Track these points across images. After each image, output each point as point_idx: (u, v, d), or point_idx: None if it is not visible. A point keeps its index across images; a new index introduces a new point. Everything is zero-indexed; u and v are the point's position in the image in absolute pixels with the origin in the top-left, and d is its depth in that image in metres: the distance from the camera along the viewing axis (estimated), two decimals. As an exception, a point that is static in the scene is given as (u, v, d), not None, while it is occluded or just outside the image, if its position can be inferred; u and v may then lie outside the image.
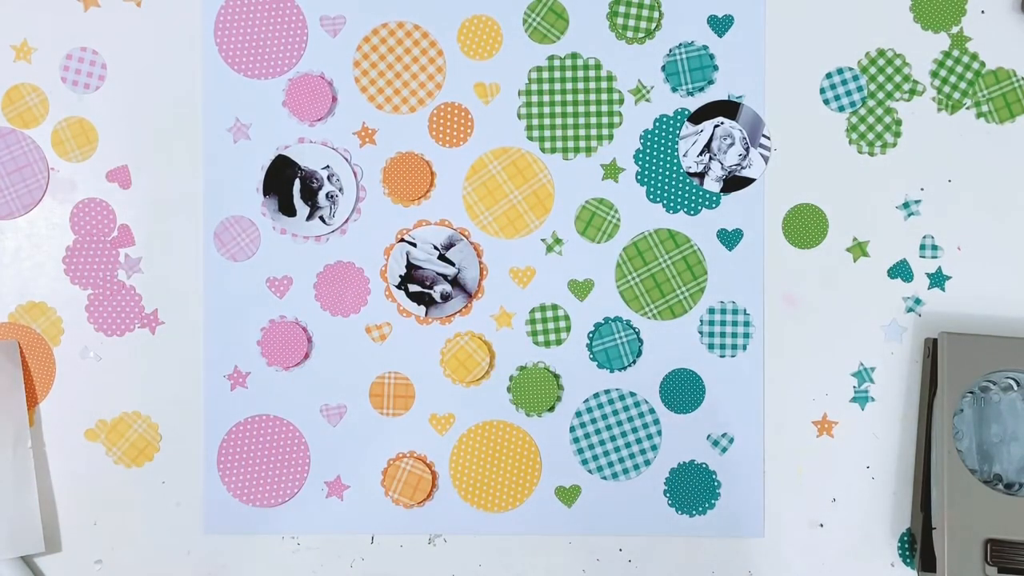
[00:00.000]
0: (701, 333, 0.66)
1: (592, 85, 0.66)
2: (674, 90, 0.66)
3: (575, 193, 0.66)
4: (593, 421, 0.66)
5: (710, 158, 0.66)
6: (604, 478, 0.66)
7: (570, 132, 0.66)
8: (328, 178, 0.66)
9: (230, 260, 0.66)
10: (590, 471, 0.66)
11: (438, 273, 0.66)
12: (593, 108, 0.66)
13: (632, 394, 0.66)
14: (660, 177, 0.66)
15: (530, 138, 0.66)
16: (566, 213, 0.66)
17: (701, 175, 0.66)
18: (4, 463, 0.64)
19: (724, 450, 0.67)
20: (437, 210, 0.66)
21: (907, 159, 0.66)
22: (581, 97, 0.66)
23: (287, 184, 0.66)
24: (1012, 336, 0.64)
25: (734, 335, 0.66)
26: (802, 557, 0.66)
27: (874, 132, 0.66)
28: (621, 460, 0.66)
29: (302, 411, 0.66)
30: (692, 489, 0.66)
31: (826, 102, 0.66)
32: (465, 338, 0.66)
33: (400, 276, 0.66)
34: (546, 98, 0.66)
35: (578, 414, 0.66)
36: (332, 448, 0.66)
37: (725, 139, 0.66)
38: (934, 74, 0.66)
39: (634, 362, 0.66)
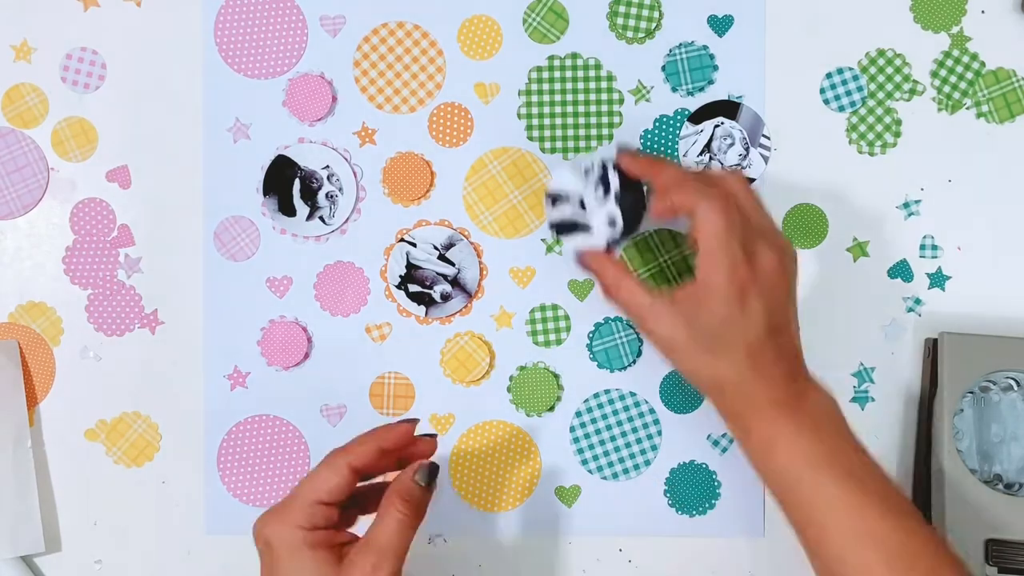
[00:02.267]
0: (701, 333, 0.66)
1: (592, 85, 0.66)
2: (674, 90, 0.66)
3: (575, 193, 0.66)
4: (593, 421, 0.66)
5: (710, 158, 0.66)
6: (604, 478, 0.66)
7: (570, 132, 0.66)
8: (328, 178, 0.66)
9: (230, 260, 0.66)
10: (590, 471, 0.66)
11: (438, 273, 0.66)
12: (593, 108, 0.66)
13: (632, 394, 0.66)
14: (660, 177, 0.66)
15: (530, 138, 0.66)
16: (566, 213, 0.66)
17: (701, 175, 0.66)
18: (4, 463, 0.64)
19: (724, 450, 0.67)
20: (437, 210, 0.66)
21: (907, 159, 0.66)
22: (581, 97, 0.66)
23: (287, 184, 0.66)
24: (1012, 336, 0.64)
25: (734, 335, 0.66)
26: (802, 557, 0.66)
27: (874, 132, 0.66)
28: (621, 460, 0.66)
29: (302, 411, 0.66)
30: (692, 489, 0.66)
31: (826, 102, 0.66)
32: (465, 338, 0.66)
33: (400, 276, 0.66)
34: (546, 98, 0.66)
35: (578, 414, 0.66)
36: (332, 448, 0.66)
37: (725, 139, 0.66)
38: (934, 74, 0.66)
39: (634, 362, 0.66)
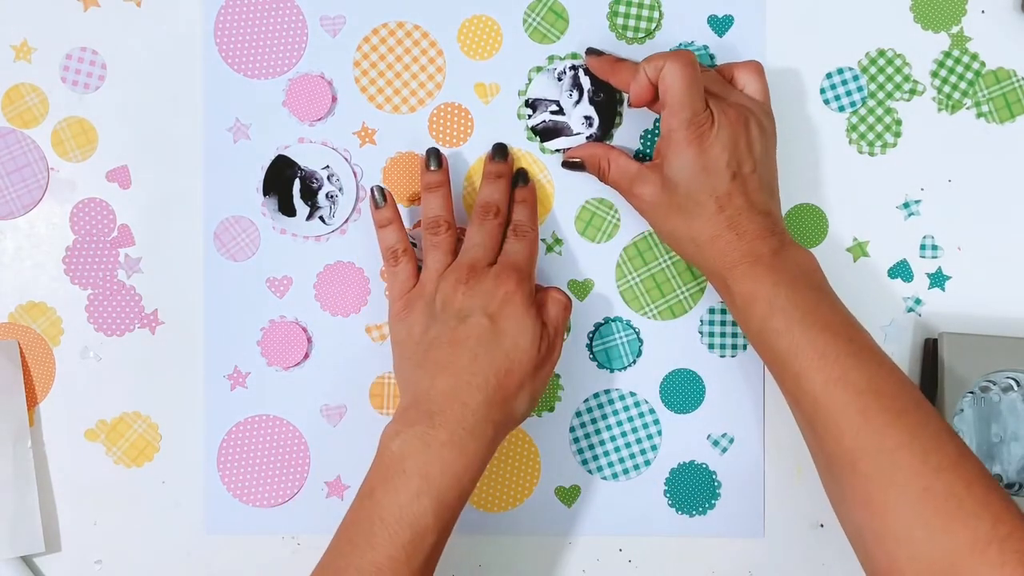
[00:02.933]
0: (701, 333, 0.66)
1: (592, 85, 0.66)
2: (674, 90, 0.66)
3: (575, 193, 0.66)
4: (593, 421, 0.66)
5: (710, 158, 0.66)
6: (604, 478, 0.66)
7: (570, 132, 0.66)
8: (328, 178, 0.66)
9: (230, 260, 0.66)
10: (590, 471, 0.66)
11: (438, 273, 0.66)
12: (593, 108, 0.66)
13: (632, 394, 0.66)
14: (660, 177, 0.66)
15: (530, 138, 0.66)
16: (566, 213, 0.66)
17: (701, 175, 0.66)
18: (4, 463, 0.64)
19: (724, 450, 0.67)
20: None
21: (907, 159, 0.66)
22: (581, 97, 0.66)
23: (287, 184, 0.66)
24: (1012, 336, 0.64)
25: (734, 335, 0.66)
26: (802, 557, 0.66)
27: (874, 132, 0.66)
28: (621, 460, 0.66)
29: (302, 411, 0.66)
30: (692, 489, 0.66)
31: (826, 102, 0.66)
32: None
33: (400, 276, 0.66)
34: (546, 98, 0.66)
35: (578, 414, 0.66)
36: (332, 448, 0.66)
37: (725, 139, 0.66)
38: (934, 74, 0.66)
39: (634, 362, 0.66)
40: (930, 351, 0.65)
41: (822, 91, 0.66)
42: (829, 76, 0.66)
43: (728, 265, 0.58)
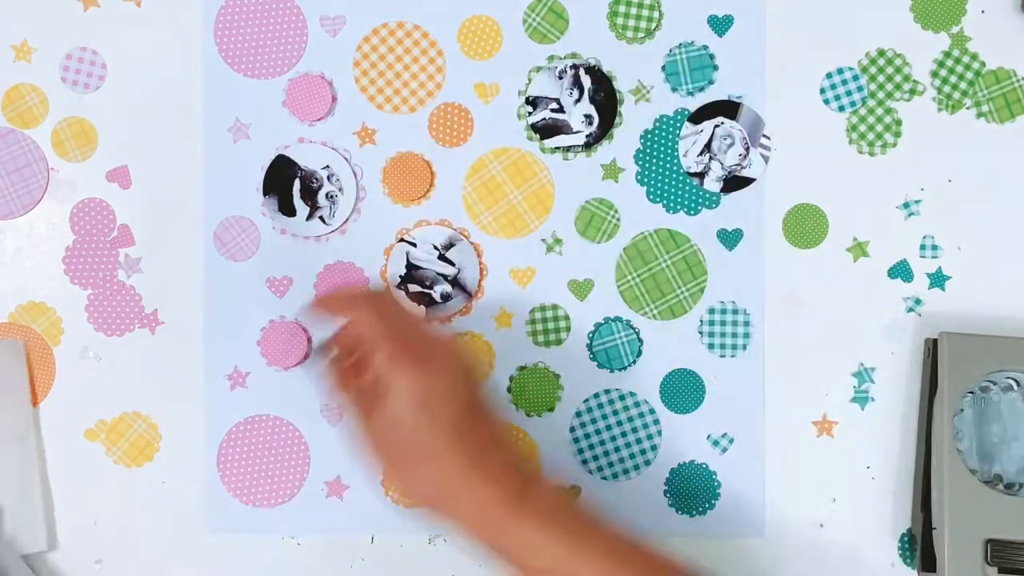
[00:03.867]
0: (701, 333, 0.66)
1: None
2: (674, 90, 0.66)
3: (575, 193, 0.66)
4: (593, 421, 0.66)
5: (710, 158, 0.66)
6: (604, 478, 0.66)
7: (570, 132, 0.66)
8: (328, 178, 0.66)
9: (230, 260, 0.66)
10: (590, 471, 0.66)
11: (438, 273, 0.66)
12: (593, 108, 0.66)
13: (632, 394, 0.66)
14: (660, 177, 0.66)
15: (530, 138, 0.66)
16: (566, 213, 0.66)
17: (701, 175, 0.66)
18: (7, 462, 0.64)
19: (724, 450, 0.67)
20: (437, 210, 0.66)
21: (907, 159, 0.66)
22: (581, 97, 0.66)
23: (287, 184, 0.66)
24: (1012, 336, 0.64)
25: (734, 335, 0.66)
26: (802, 557, 0.66)
27: (874, 132, 0.66)
28: (621, 460, 0.66)
29: (302, 411, 0.66)
30: (692, 489, 0.66)
31: (826, 102, 0.66)
32: (465, 338, 0.66)
33: (400, 276, 0.66)
34: (546, 98, 0.66)
35: (578, 414, 0.66)
36: (332, 448, 0.66)
37: (725, 139, 0.66)
38: (934, 74, 0.66)
39: (634, 362, 0.66)
40: (930, 351, 0.65)
41: (822, 91, 0.66)
42: (829, 76, 0.66)
43: (478, 516, 0.53)
